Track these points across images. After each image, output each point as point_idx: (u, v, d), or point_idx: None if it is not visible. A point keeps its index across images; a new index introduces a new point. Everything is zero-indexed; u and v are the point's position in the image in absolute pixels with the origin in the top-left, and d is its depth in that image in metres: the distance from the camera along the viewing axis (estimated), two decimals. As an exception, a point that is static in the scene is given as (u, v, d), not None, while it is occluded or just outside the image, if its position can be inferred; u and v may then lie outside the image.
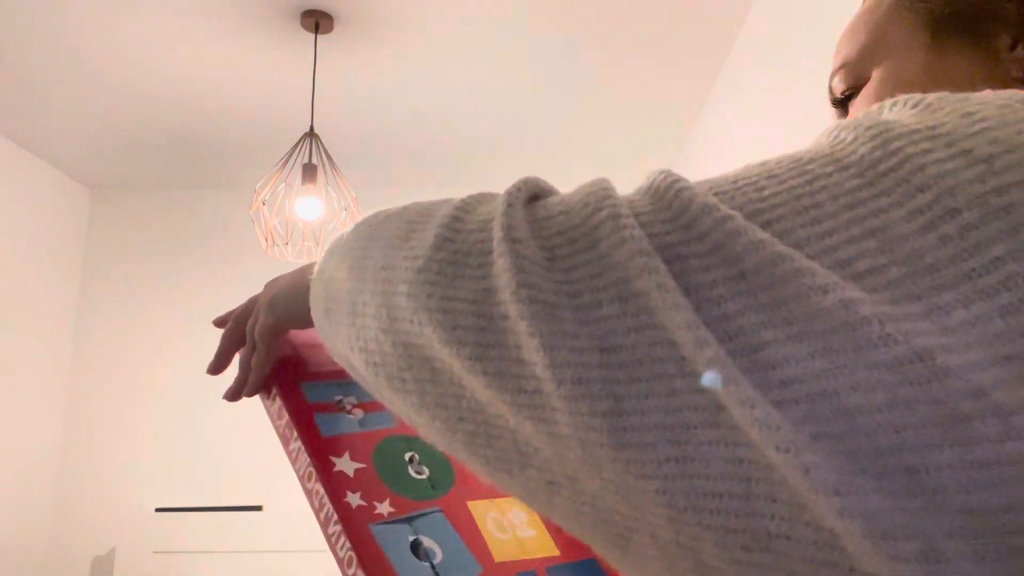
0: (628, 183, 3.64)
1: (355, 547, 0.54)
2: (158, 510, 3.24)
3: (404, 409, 0.36)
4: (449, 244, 0.33)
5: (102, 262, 3.64)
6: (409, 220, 0.37)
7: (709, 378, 0.26)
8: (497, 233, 0.32)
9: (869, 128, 0.30)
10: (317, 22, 2.30)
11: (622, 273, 0.28)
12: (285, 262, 3.59)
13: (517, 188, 0.34)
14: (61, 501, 3.41)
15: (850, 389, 0.25)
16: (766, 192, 0.29)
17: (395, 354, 0.34)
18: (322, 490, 0.56)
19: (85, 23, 2.34)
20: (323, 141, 3.18)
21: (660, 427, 0.27)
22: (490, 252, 0.32)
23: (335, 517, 0.56)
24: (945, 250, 0.26)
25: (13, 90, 2.75)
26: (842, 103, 0.52)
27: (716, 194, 0.30)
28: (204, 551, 3.07)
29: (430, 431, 0.35)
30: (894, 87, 0.47)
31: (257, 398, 0.61)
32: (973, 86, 0.44)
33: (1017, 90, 0.36)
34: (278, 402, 0.59)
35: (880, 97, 0.48)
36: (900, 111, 0.31)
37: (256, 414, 3.44)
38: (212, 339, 3.53)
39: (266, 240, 2.36)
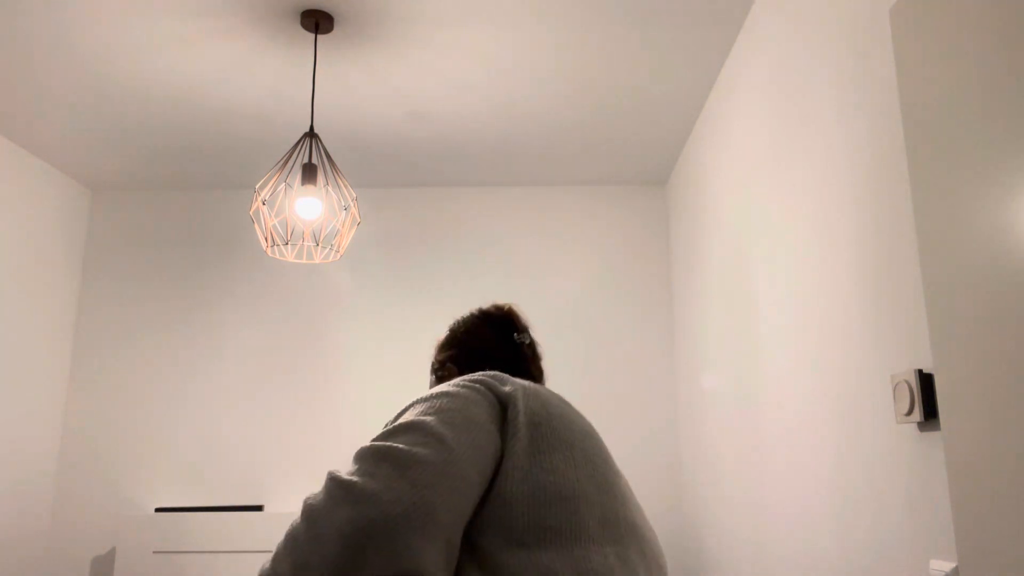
0: (626, 182, 3.64)
1: None
2: (158, 510, 3.24)
3: None
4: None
5: (102, 262, 3.65)
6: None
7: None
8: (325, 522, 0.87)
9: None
10: (317, 22, 2.30)
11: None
12: (285, 262, 3.59)
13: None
14: (61, 501, 3.41)
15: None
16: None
17: None
18: None
19: (85, 23, 2.34)
20: (323, 141, 3.18)
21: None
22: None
23: None
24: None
25: (13, 90, 2.75)
26: None
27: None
28: (204, 551, 3.07)
29: None
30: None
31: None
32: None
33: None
34: None
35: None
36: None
37: (256, 414, 3.44)
38: (211, 339, 3.53)
39: (266, 240, 2.37)
